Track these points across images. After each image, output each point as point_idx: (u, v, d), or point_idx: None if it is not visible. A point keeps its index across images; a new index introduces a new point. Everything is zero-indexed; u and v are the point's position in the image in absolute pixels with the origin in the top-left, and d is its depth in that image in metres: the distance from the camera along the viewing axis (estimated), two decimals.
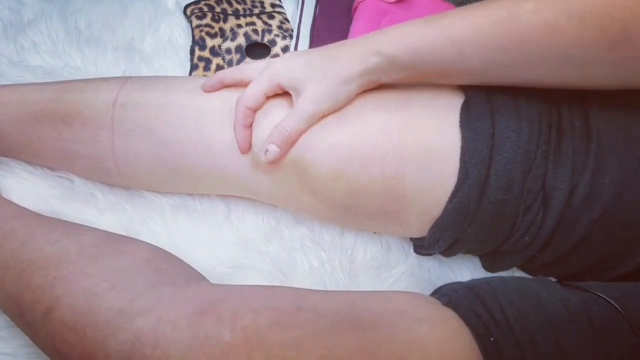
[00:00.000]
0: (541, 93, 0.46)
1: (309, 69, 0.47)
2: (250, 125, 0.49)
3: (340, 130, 0.47)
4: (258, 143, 0.49)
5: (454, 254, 0.53)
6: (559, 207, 0.44)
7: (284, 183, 0.50)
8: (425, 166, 0.45)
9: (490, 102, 0.46)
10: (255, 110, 0.49)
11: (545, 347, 0.38)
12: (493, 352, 0.38)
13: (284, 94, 0.49)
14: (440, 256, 0.58)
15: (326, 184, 0.48)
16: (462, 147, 0.45)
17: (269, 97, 0.49)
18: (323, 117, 0.48)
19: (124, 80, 0.55)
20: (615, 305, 0.39)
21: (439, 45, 0.43)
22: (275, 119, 0.48)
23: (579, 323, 0.39)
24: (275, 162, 0.48)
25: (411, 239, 0.56)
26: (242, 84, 0.51)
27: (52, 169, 0.59)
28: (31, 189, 0.58)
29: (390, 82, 0.48)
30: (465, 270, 0.58)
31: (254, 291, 0.43)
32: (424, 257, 0.58)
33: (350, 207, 0.49)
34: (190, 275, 0.48)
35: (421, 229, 0.50)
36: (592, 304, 0.40)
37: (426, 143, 0.45)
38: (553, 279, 0.50)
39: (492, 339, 0.39)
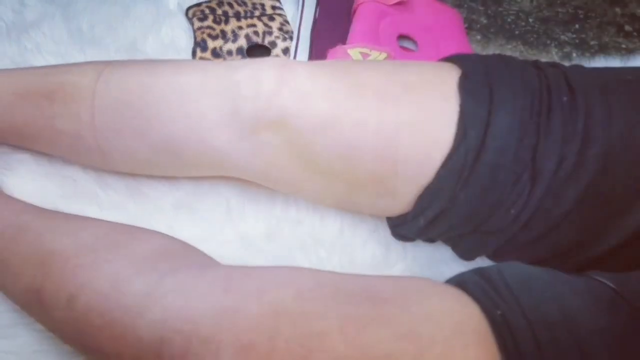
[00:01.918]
0: (531, 74, 0.48)
1: None
2: None
3: (332, 87, 0.47)
4: None
5: (434, 232, 0.53)
6: (548, 178, 0.45)
7: (268, 151, 0.49)
8: (420, 127, 0.45)
9: (487, 74, 0.47)
10: None
11: (551, 317, 0.38)
12: (501, 323, 0.39)
13: None
14: (439, 255, 0.58)
15: (314, 146, 0.47)
16: (461, 108, 0.45)
17: None
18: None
19: (108, 62, 0.55)
20: (613, 286, 0.40)
21: None
22: None
23: (582, 297, 0.40)
24: (259, 124, 0.47)
25: (390, 219, 0.56)
26: None
27: (50, 160, 0.59)
28: (34, 188, 0.58)
29: None
30: (464, 270, 0.57)
31: (274, 270, 0.44)
32: (423, 257, 0.58)
33: (339, 174, 0.49)
34: (210, 260, 0.48)
35: (408, 201, 0.50)
36: (592, 284, 0.41)
37: (423, 103, 0.46)
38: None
39: (499, 312, 0.39)
